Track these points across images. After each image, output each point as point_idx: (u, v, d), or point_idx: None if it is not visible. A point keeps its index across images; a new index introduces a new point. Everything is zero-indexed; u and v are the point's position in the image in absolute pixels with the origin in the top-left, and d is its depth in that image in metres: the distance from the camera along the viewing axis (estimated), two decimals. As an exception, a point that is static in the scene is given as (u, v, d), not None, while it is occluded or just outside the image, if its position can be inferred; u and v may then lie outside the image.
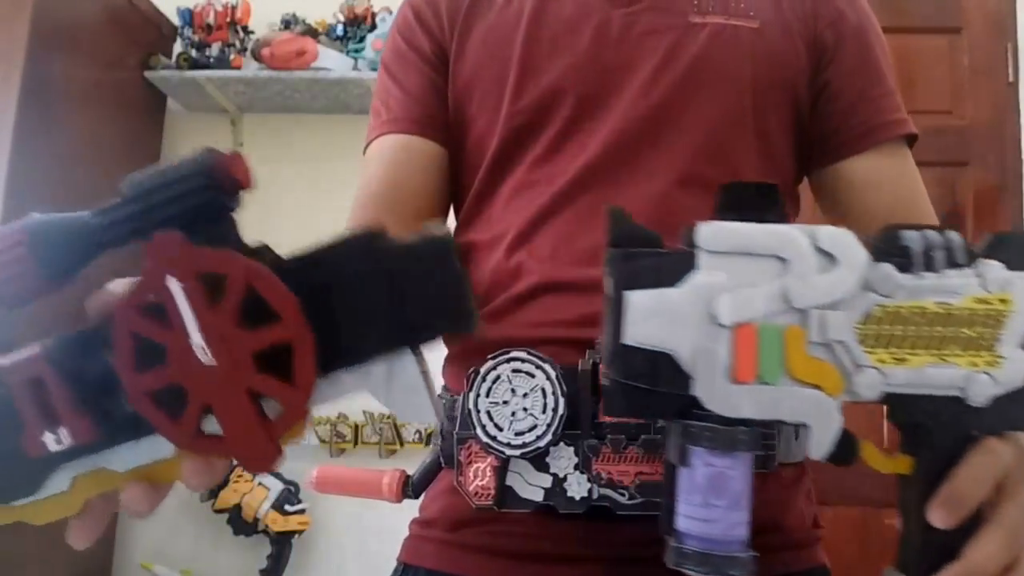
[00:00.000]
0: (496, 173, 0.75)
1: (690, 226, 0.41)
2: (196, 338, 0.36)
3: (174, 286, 0.36)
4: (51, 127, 1.94)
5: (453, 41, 0.78)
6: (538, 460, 0.57)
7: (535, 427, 0.56)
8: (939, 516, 0.42)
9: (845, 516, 2.00)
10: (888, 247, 0.41)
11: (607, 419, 0.57)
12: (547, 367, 0.56)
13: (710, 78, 0.72)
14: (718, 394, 0.40)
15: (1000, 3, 2.31)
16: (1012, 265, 0.41)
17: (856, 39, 0.77)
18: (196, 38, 2.27)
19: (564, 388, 0.56)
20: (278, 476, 2.11)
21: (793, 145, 0.76)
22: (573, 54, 0.74)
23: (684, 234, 0.42)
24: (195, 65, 2.21)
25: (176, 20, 2.32)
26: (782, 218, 0.42)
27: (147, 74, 2.22)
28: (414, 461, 2.30)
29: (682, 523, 0.42)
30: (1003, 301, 0.41)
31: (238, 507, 2.06)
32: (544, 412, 0.56)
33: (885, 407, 0.43)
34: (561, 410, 0.56)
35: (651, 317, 0.41)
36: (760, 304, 0.40)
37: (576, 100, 0.72)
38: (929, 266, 0.41)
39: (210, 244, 0.36)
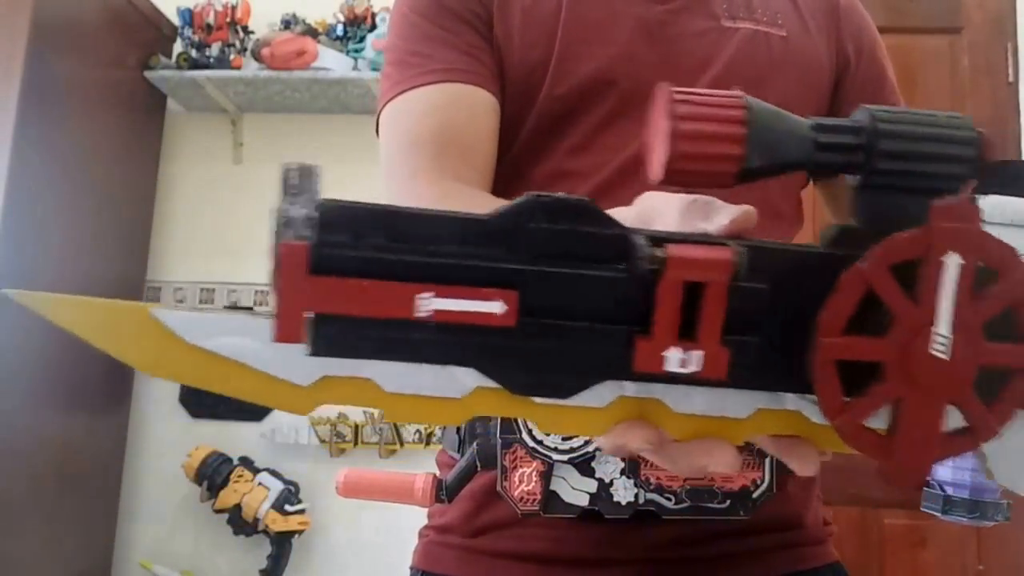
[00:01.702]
0: (527, 159, 0.73)
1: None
2: (943, 327, 0.32)
3: (952, 261, 0.31)
4: (51, 127, 1.94)
5: (494, 7, 0.74)
6: (584, 465, 0.57)
7: None
8: None
9: (845, 516, 2.00)
10: None
11: None
12: None
13: (745, 83, 0.72)
14: None
15: (1000, 3, 2.31)
16: None
17: (872, 53, 0.79)
18: (196, 38, 2.26)
19: None
20: (278, 476, 2.12)
21: None
22: (615, 45, 0.73)
23: None
24: (195, 65, 2.20)
25: (176, 20, 2.31)
26: None
27: (147, 74, 2.22)
28: (414, 461, 2.30)
29: (950, 474, 0.42)
30: None
31: (238, 507, 2.06)
32: None
33: None
34: None
35: None
36: None
37: (620, 91, 0.71)
38: None
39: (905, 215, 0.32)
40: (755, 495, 0.56)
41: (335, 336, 0.30)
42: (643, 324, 0.31)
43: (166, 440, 2.24)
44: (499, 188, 0.73)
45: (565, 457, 0.56)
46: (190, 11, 2.27)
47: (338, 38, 2.24)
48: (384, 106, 0.73)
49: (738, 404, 0.34)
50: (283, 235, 0.29)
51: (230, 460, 2.12)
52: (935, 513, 0.43)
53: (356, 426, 2.16)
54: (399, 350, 0.31)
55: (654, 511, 0.57)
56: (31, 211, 1.87)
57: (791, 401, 0.34)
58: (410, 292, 0.30)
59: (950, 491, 0.43)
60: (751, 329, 0.32)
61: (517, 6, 0.74)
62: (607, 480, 0.57)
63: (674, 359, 0.31)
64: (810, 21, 0.77)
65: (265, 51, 2.17)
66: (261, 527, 2.06)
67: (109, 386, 2.18)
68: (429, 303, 0.30)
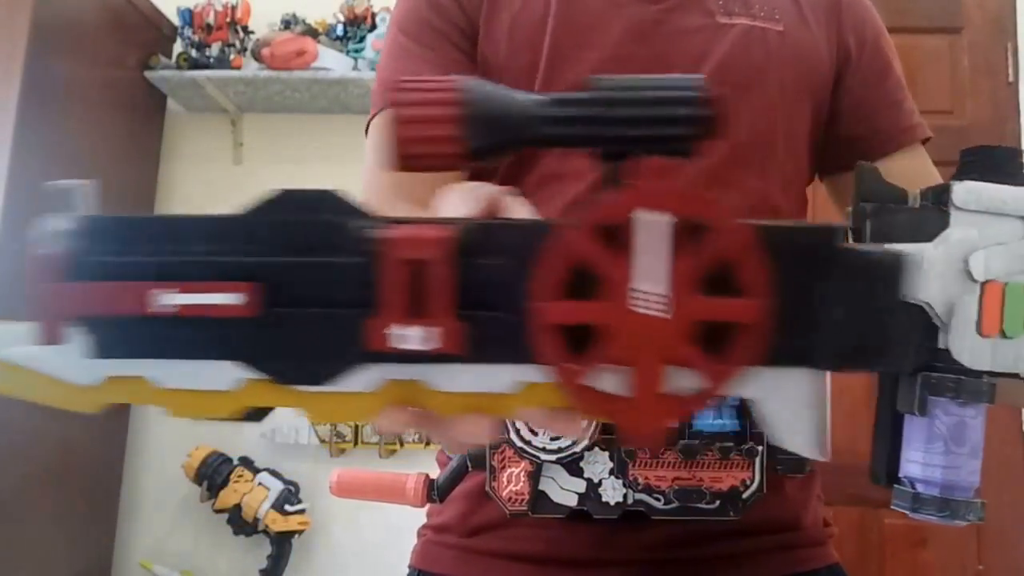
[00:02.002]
0: (521, 164, 0.73)
1: (940, 186, 0.42)
2: (660, 287, 0.32)
3: (659, 220, 0.32)
4: (51, 127, 1.94)
5: (480, 21, 0.75)
6: (572, 465, 0.57)
7: None
8: None
9: (844, 516, 2.00)
10: None
11: None
12: None
13: (741, 79, 0.72)
14: (966, 346, 0.41)
15: (1000, 3, 2.30)
16: None
17: (875, 45, 0.79)
18: (196, 38, 2.26)
19: None
20: (278, 476, 2.12)
21: (811, 147, 0.77)
22: (605, 47, 0.73)
23: (932, 194, 0.43)
24: (195, 65, 2.20)
25: (176, 20, 2.31)
26: (1022, 181, 0.42)
27: (147, 74, 2.21)
28: (414, 461, 2.31)
29: (919, 471, 0.42)
30: None
31: (238, 507, 2.06)
32: None
33: None
34: None
35: (914, 270, 0.41)
36: (1007, 262, 0.41)
37: None
38: None
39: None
40: (745, 495, 0.56)
41: (99, 337, 0.33)
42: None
43: (166, 440, 2.24)
44: None
45: (553, 457, 0.56)
46: (190, 11, 2.27)
47: (338, 38, 2.24)
48: (368, 125, 0.76)
49: (504, 379, 0.34)
50: (34, 247, 0.32)
51: (230, 460, 2.12)
52: (905, 511, 0.43)
53: (356, 426, 2.16)
54: (161, 347, 0.33)
55: (643, 511, 0.57)
56: (31, 211, 1.87)
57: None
58: (143, 289, 0.32)
59: (920, 488, 0.43)
60: (491, 304, 0.33)
61: (505, 14, 0.75)
62: (596, 480, 0.57)
63: (405, 336, 0.32)
64: (810, 15, 0.77)
65: (265, 51, 2.17)
66: (261, 527, 2.06)
67: (109, 386, 2.18)
68: (172, 299, 0.32)
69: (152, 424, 2.26)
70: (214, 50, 2.26)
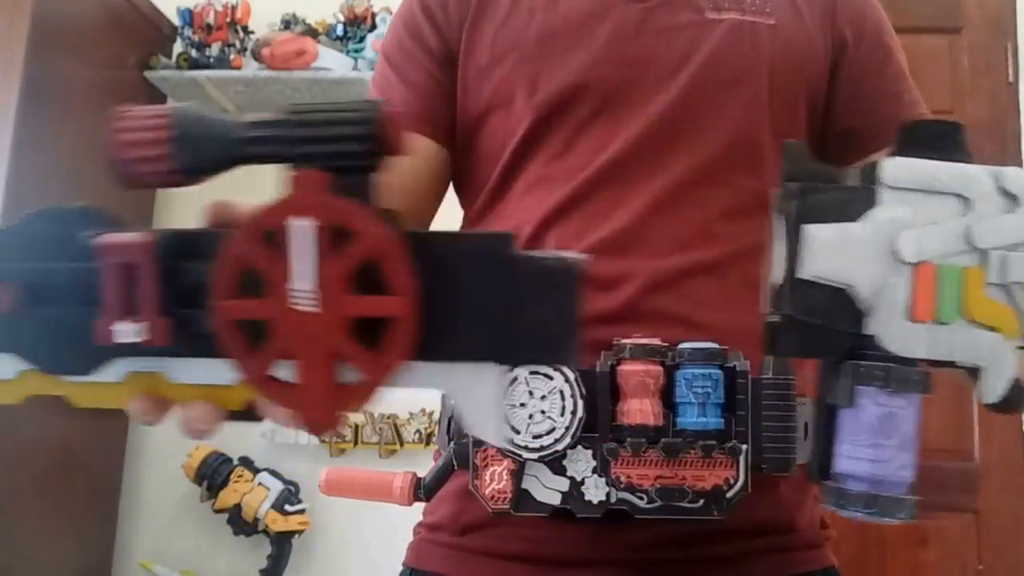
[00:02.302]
0: (512, 169, 0.74)
1: (870, 164, 0.41)
2: (308, 284, 0.35)
3: (306, 225, 0.35)
4: (51, 127, 1.94)
5: (462, 37, 0.77)
6: (555, 463, 0.57)
7: (553, 430, 0.56)
8: None
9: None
10: None
11: (625, 422, 0.56)
12: (565, 369, 0.56)
13: (729, 75, 0.72)
14: (895, 332, 0.39)
15: (1000, 3, 2.30)
16: None
17: (875, 35, 0.77)
18: (196, 38, 2.26)
19: (583, 390, 0.56)
20: (278, 476, 2.11)
21: (809, 141, 0.76)
22: (590, 49, 0.73)
23: (863, 172, 0.42)
24: (195, 65, 2.20)
25: (176, 20, 2.31)
26: (965, 158, 0.41)
27: (147, 74, 2.21)
28: (414, 461, 2.31)
29: (846, 464, 0.41)
30: None
31: (238, 507, 2.06)
32: (562, 415, 0.56)
33: None
34: (579, 413, 0.55)
35: (832, 251, 0.40)
36: (941, 243, 0.40)
37: (596, 96, 0.72)
38: None
39: (345, 195, 0.35)
40: (729, 495, 0.56)
41: None
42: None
43: (166, 440, 2.24)
44: (487, 197, 0.75)
45: (535, 455, 0.56)
46: (190, 11, 2.27)
47: (338, 38, 2.24)
48: None
49: (228, 373, 0.38)
50: None
51: (230, 460, 2.12)
52: (833, 508, 0.41)
53: (356, 426, 2.16)
54: None
55: (626, 510, 0.57)
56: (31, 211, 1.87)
57: None
58: None
59: (849, 484, 0.41)
60: (197, 303, 0.37)
61: (489, 26, 0.76)
62: (579, 479, 0.57)
63: (121, 331, 0.37)
64: (803, 7, 0.76)
65: (265, 51, 2.17)
66: (261, 527, 2.06)
67: (109, 386, 2.18)
68: None
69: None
70: (214, 50, 2.26)
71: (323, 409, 0.36)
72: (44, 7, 1.90)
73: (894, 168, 0.40)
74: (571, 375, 0.56)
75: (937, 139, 0.41)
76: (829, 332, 0.40)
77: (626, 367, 0.57)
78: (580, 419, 0.56)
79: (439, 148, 0.78)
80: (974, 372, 0.40)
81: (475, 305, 0.37)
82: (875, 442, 0.40)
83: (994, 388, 0.40)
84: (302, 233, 0.35)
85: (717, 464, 0.55)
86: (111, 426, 2.21)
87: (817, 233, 0.40)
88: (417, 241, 0.36)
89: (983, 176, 0.40)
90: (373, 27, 2.22)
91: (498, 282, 0.37)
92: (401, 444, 2.14)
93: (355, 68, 2.18)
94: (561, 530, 0.62)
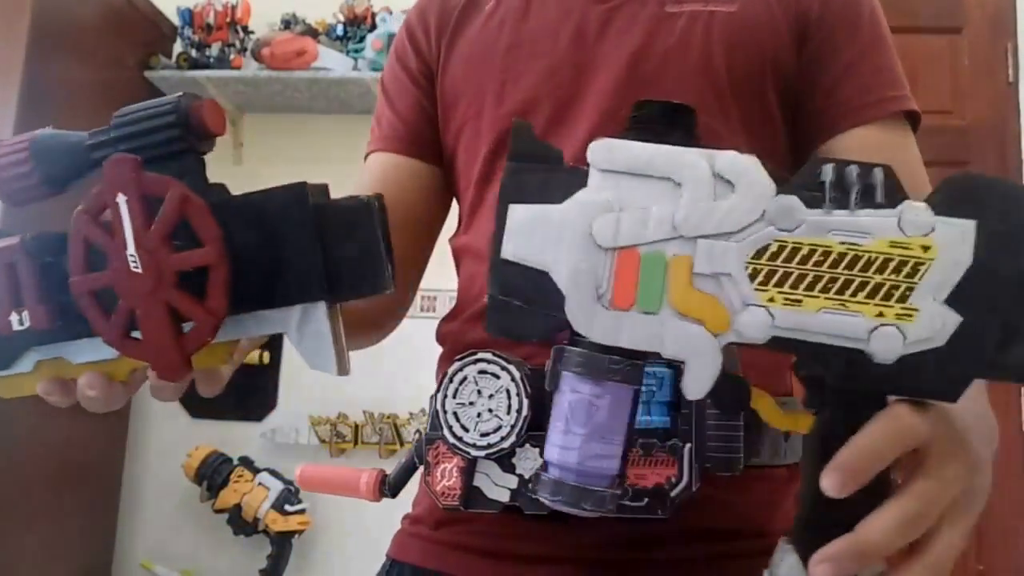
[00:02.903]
0: (484, 180, 0.74)
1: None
2: (130, 248, 0.41)
3: (120, 200, 0.41)
4: (51, 127, 1.94)
5: (440, 54, 0.79)
6: (504, 461, 0.57)
7: (500, 428, 0.56)
8: (830, 483, 0.37)
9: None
10: (803, 180, 0.38)
11: None
12: (512, 368, 0.56)
13: (683, 71, 0.70)
14: (591, 318, 0.38)
15: (1000, 3, 2.31)
16: (940, 209, 0.37)
17: (845, 12, 0.72)
18: (196, 38, 2.27)
19: (528, 389, 0.56)
20: (278, 476, 2.12)
21: (785, 124, 0.73)
22: (552, 56, 0.73)
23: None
24: (195, 65, 2.21)
25: (176, 20, 2.32)
26: (687, 141, 0.39)
27: (147, 74, 2.22)
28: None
29: (546, 451, 0.40)
30: (924, 248, 0.36)
31: (238, 507, 2.06)
32: (508, 413, 0.56)
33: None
34: (524, 411, 0.55)
35: (530, 232, 0.39)
36: (646, 229, 0.38)
37: (551, 104, 0.72)
38: (842, 204, 0.37)
39: (172, 175, 0.41)
40: (672, 494, 0.55)
41: None
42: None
43: (166, 440, 2.24)
44: (469, 209, 0.76)
45: (483, 453, 0.56)
46: (190, 11, 2.27)
47: (338, 38, 2.24)
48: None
49: (109, 348, 0.44)
50: None
51: (230, 460, 2.12)
52: (548, 500, 0.40)
53: (356, 426, 2.16)
54: None
55: None
56: (30, 212, 1.87)
57: None
58: None
59: (547, 471, 0.40)
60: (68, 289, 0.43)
61: (463, 41, 0.77)
62: (527, 476, 0.56)
63: (13, 321, 0.44)
64: None
65: (265, 51, 2.17)
66: (261, 527, 2.06)
67: (109, 386, 2.18)
68: None
69: (152, 424, 2.27)
70: (214, 50, 2.26)
71: (168, 355, 0.42)
72: (44, 7, 1.90)
73: (602, 149, 0.39)
74: (518, 374, 0.56)
75: (661, 120, 0.40)
76: (530, 314, 0.39)
77: None
78: (525, 417, 0.55)
79: (429, 167, 0.80)
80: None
81: (289, 252, 0.42)
82: (567, 429, 0.39)
83: (696, 383, 0.38)
84: (122, 206, 0.41)
85: (658, 462, 0.55)
86: (111, 426, 2.21)
87: (516, 213, 0.40)
88: (222, 206, 0.42)
89: (699, 161, 0.38)
90: (373, 27, 2.22)
91: (304, 229, 0.42)
92: (401, 444, 2.14)
93: (355, 68, 2.18)
94: (525, 527, 0.61)
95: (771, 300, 0.37)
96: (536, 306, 0.39)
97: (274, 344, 2.25)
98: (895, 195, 0.37)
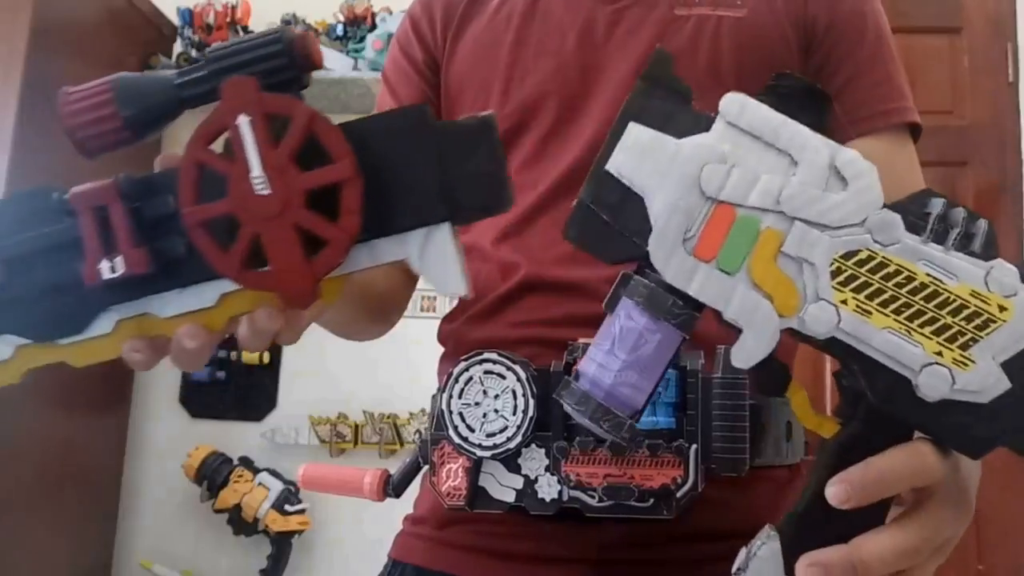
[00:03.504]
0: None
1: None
2: (256, 170, 0.39)
3: (243, 121, 0.39)
4: (51, 127, 1.94)
5: (445, 46, 0.78)
6: (510, 461, 0.57)
7: (505, 428, 0.56)
8: (835, 492, 0.38)
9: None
10: (910, 206, 0.38)
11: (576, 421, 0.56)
12: (518, 369, 0.56)
13: (692, 74, 0.69)
14: (671, 256, 0.38)
15: (1000, 3, 2.31)
16: None
17: (850, 23, 0.73)
18: (196, 38, 2.27)
19: (534, 390, 0.56)
20: (278, 476, 2.12)
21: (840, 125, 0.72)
22: (559, 55, 0.73)
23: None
24: (195, 65, 2.20)
25: (176, 20, 2.32)
26: (817, 126, 0.39)
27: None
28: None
29: (582, 363, 0.40)
30: (1001, 308, 0.37)
31: (238, 507, 2.06)
32: (514, 414, 0.56)
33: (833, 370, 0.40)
34: (531, 412, 0.56)
35: (642, 154, 0.39)
36: (751, 192, 0.38)
37: (558, 103, 0.72)
38: (940, 240, 0.38)
39: None
40: (678, 494, 0.55)
41: None
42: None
43: (166, 440, 2.24)
44: None
45: (488, 453, 0.56)
46: (190, 11, 2.27)
47: (338, 38, 2.24)
48: None
49: (206, 296, 0.42)
50: None
51: (230, 460, 2.12)
52: (570, 408, 0.40)
53: (356, 426, 2.16)
54: None
55: (578, 508, 0.57)
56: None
57: None
58: None
59: (577, 381, 0.40)
60: (170, 235, 0.42)
61: (469, 34, 0.77)
62: (532, 476, 0.57)
63: (104, 268, 0.41)
64: None
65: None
66: (261, 527, 2.06)
67: (109, 386, 2.18)
68: None
69: (152, 424, 2.27)
70: (214, 50, 2.26)
71: (298, 280, 0.40)
72: (44, 7, 1.90)
73: (737, 105, 0.39)
74: (524, 375, 0.56)
75: (798, 97, 0.40)
76: (608, 233, 0.39)
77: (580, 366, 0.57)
78: (531, 418, 0.56)
79: None
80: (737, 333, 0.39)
81: (411, 175, 0.41)
82: (610, 350, 0.39)
83: (749, 354, 0.38)
84: (244, 127, 0.39)
85: (664, 463, 0.55)
86: (111, 426, 2.21)
87: (635, 132, 0.40)
88: (352, 127, 0.41)
89: (822, 147, 0.38)
90: (373, 27, 2.22)
91: (427, 150, 0.41)
92: (401, 444, 2.14)
93: (355, 68, 2.18)
94: (531, 527, 0.62)
95: (843, 302, 0.38)
96: (619, 226, 0.39)
97: (274, 344, 2.25)
98: (990, 250, 0.38)
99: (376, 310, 0.79)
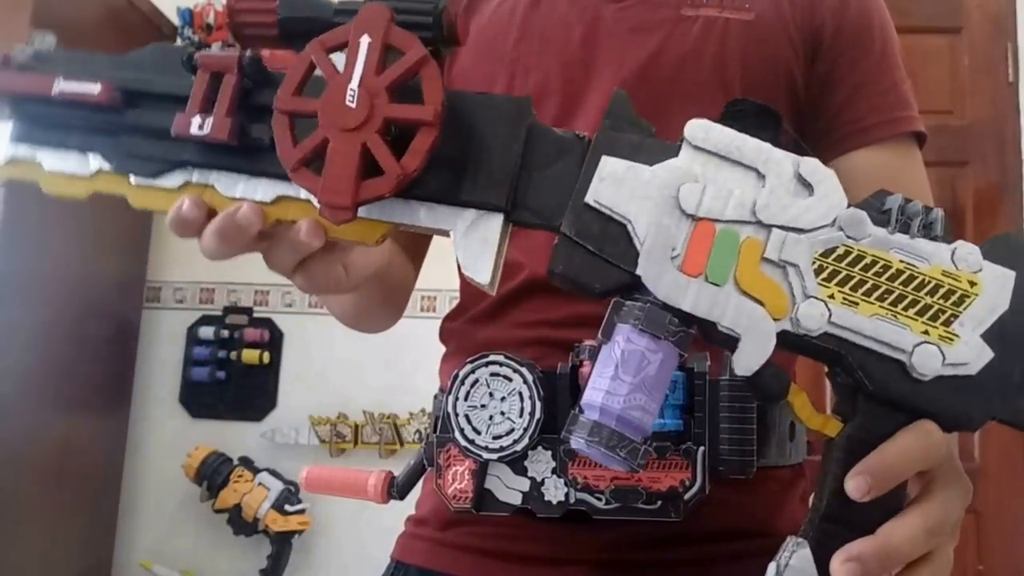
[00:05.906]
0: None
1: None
2: (354, 82, 0.40)
3: (364, 40, 0.41)
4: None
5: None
6: (516, 463, 0.57)
7: (512, 431, 0.56)
8: (855, 486, 0.39)
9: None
10: (868, 205, 0.41)
11: None
12: (524, 371, 0.56)
13: (696, 79, 0.70)
14: (661, 275, 0.40)
15: (1000, 3, 2.31)
16: (988, 255, 0.40)
17: (857, 30, 0.73)
18: (196, 38, 2.27)
19: (541, 392, 0.56)
20: (278, 476, 2.12)
21: (800, 136, 0.71)
22: (563, 51, 0.72)
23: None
24: (195, 65, 2.20)
25: (176, 20, 2.32)
26: (774, 142, 0.42)
27: (147, 74, 2.21)
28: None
29: (587, 395, 0.40)
30: (971, 283, 0.40)
31: (238, 507, 2.06)
32: (521, 416, 0.56)
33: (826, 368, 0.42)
34: (537, 414, 0.56)
35: (619, 182, 0.41)
36: (727, 207, 0.40)
37: (560, 99, 0.71)
38: (904, 230, 0.40)
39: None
40: (686, 497, 0.55)
41: (17, 122, 0.47)
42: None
43: (166, 440, 2.24)
44: None
45: (495, 456, 0.56)
46: (190, 11, 2.27)
47: (338, 38, 2.24)
48: None
49: (266, 191, 0.45)
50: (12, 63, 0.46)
51: (230, 460, 2.12)
52: (581, 441, 0.40)
53: (356, 426, 2.16)
54: (52, 136, 0.46)
55: (585, 511, 0.57)
56: (31, 211, 1.87)
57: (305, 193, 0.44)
58: (50, 80, 0.45)
59: (585, 413, 0.40)
60: (262, 124, 0.43)
61: (473, 27, 0.76)
62: (539, 479, 0.57)
63: (193, 123, 0.43)
64: (786, 0, 0.73)
65: (265, 51, 2.17)
66: (261, 527, 2.06)
67: (109, 386, 2.18)
68: (60, 86, 0.45)
69: (152, 424, 2.27)
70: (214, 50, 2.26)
71: (342, 192, 0.40)
72: (44, 7, 1.90)
73: (702, 130, 0.41)
74: (530, 377, 0.56)
75: (753, 118, 0.42)
76: (595, 264, 0.41)
77: (586, 368, 0.56)
78: (538, 420, 0.56)
79: None
80: (734, 344, 0.40)
81: (490, 157, 0.42)
82: (615, 375, 0.40)
83: (748, 361, 0.39)
84: (363, 45, 0.41)
85: (672, 466, 0.55)
86: (111, 426, 2.21)
87: (608, 163, 0.42)
88: (451, 96, 0.42)
89: (784, 159, 0.41)
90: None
91: (515, 140, 0.42)
92: (401, 444, 2.14)
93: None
94: (534, 528, 0.62)
95: (831, 297, 0.40)
96: (605, 254, 0.41)
97: (274, 344, 2.26)
98: (949, 234, 0.41)
99: (389, 299, 0.79)
